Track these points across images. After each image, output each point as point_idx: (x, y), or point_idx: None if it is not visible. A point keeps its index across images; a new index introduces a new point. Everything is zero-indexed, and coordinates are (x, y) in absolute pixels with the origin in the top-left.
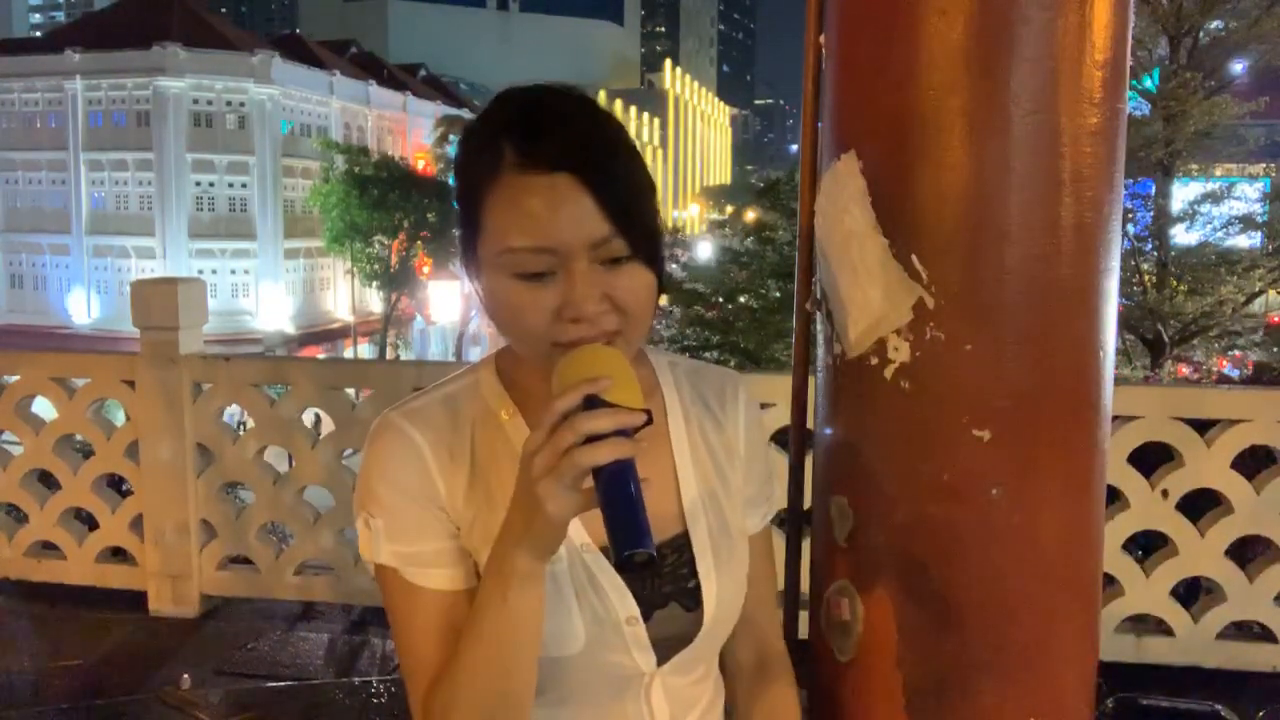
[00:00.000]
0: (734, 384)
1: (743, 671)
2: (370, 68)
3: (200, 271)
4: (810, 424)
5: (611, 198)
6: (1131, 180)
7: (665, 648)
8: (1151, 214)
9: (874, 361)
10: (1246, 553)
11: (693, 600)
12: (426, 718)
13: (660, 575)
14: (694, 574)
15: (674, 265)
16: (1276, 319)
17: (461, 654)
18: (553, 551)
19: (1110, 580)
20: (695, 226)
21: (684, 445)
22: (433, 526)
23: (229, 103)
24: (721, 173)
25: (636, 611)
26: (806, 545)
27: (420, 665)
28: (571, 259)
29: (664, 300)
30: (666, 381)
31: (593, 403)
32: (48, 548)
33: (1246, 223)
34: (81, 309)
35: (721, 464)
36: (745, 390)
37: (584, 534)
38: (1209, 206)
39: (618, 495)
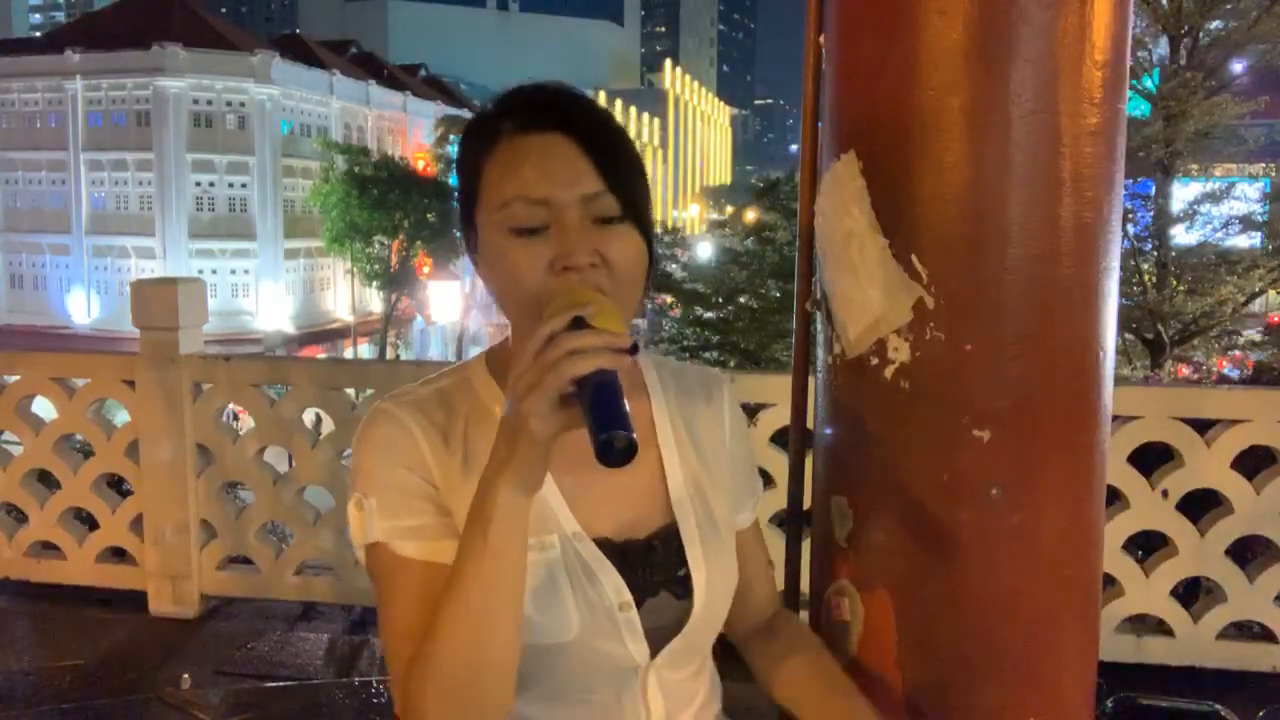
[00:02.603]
0: (718, 382)
1: (755, 632)
2: (370, 68)
3: (200, 271)
4: (810, 424)
5: (603, 156)
6: (1131, 180)
7: (658, 637)
8: (1151, 214)
9: (874, 361)
10: (1246, 553)
11: (683, 588)
12: (406, 693)
13: (650, 565)
14: (683, 563)
15: (674, 265)
16: (1276, 319)
17: (442, 607)
18: (536, 485)
19: (1110, 580)
20: (695, 226)
21: (670, 440)
22: (424, 501)
23: (229, 103)
24: (721, 173)
25: (629, 597)
26: (806, 545)
27: (402, 641)
28: (564, 210)
29: (664, 300)
30: (652, 380)
31: (579, 326)
32: (48, 548)
33: (1246, 223)
34: (81, 309)
35: (708, 458)
36: (729, 388)
37: (576, 524)
38: (1209, 206)
39: (600, 392)
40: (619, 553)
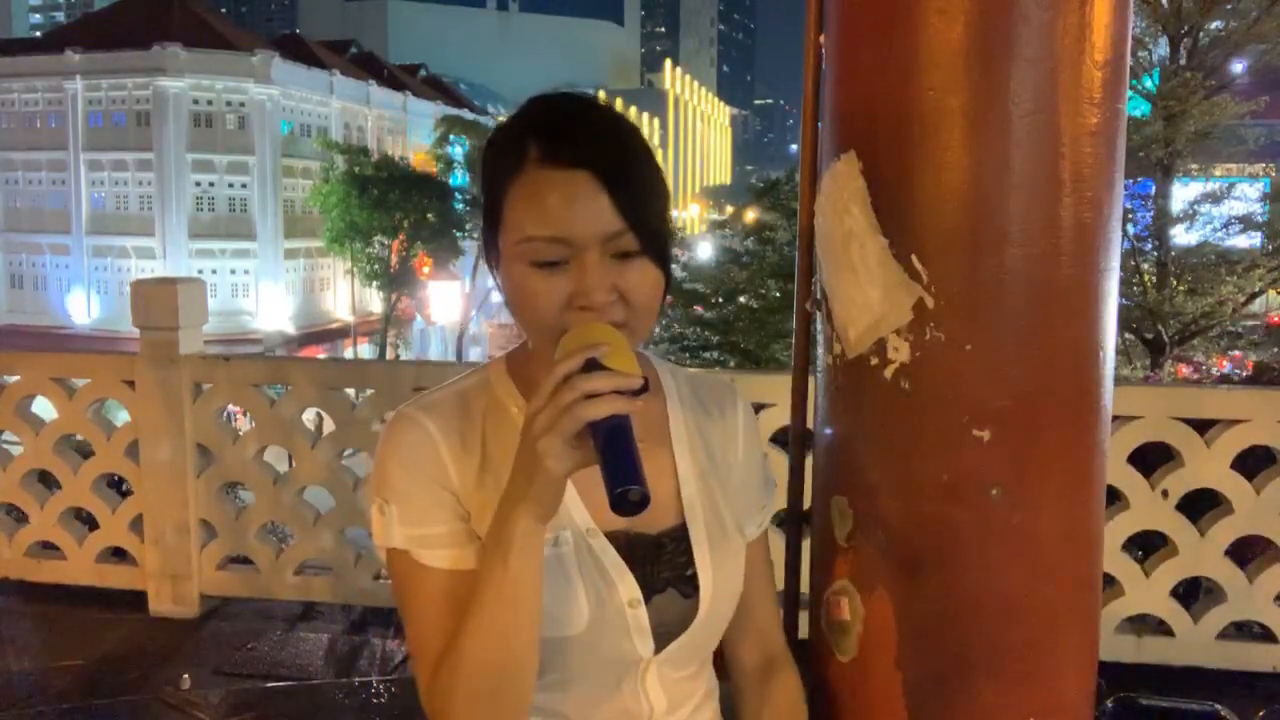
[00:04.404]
0: (732, 394)
1: (748, 669)
2: (370, 68)
3: (200, 271)
4: (810, 424)
5: (625, 196)
6: (1131, 180)
7: (663, 634)
8: (1151, 214)
9: (874, 361)
10: (1246, 553)
11: (690, 587)
12: (432, 695)
13: (659, 561)
14: (692, 563)
15: (674, 265)
16: (1276, 319)
17: (465, 623)
18: (551, 514)
19: (1110, 580)
20: (695, 226)
21: (684, 442)
22: (443, 510)
23: (229, 103)
24: (721, 173)
25: (638, 594)
26: (806, 545)
27: (427, 644)
28: (584, 250)
29: (665, 300)
30: (668, 384)
31: (592, 367)
32: (48, 548)
33: (1246, 223)
34: (81, 309)
35: (719, 464)
36: (743, 401)
37: (589, 519)
38: (1209, 206)
39: (614, 442)
40: (628, 548)
